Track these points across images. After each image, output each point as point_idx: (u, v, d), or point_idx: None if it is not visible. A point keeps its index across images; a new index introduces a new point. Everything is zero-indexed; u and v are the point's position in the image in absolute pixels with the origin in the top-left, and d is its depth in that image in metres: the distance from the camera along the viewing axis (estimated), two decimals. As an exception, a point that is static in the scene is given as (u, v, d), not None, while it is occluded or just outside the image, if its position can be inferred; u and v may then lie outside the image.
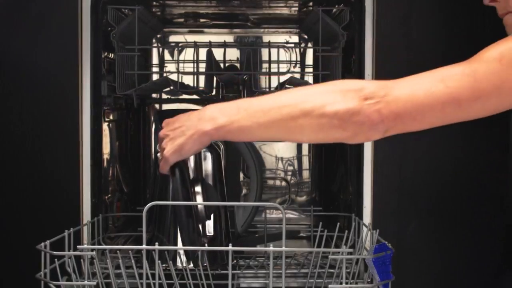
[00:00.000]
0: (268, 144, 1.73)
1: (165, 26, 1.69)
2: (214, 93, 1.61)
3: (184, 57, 1.70)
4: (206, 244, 1.20)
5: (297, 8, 1.50)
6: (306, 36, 1.71)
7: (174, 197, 1.08)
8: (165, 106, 1.73)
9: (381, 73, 1.25)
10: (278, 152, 1.74)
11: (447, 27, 1.27)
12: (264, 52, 1.62)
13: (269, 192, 1.73)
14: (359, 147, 1.27)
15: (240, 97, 1.64)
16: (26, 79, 1.25)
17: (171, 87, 1.46)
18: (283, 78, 1.50)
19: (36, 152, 1.25)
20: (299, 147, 1.74)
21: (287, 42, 1.71)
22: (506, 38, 0.92)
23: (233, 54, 1.67)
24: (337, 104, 0.87)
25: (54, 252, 0.99)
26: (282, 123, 0.91)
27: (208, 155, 1.32)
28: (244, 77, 1.59)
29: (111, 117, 1.45)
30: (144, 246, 1.00)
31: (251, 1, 1.45)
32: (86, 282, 1.02)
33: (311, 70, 1.70)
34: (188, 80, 1.54)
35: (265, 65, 1.60)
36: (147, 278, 1.01)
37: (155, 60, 1.73)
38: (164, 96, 1.72)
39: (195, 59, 1.43)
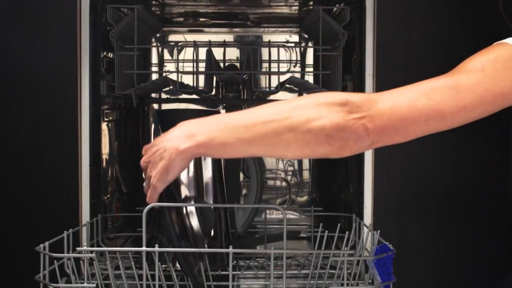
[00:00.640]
0: (268, 144, 1.72)
1: (164, 25, 1.68)
2: (213, 92, 1.61)
3: (183, 57, 1.70)
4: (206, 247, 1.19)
5: (297, 7, 1.50)
6: (306, 36, 1.70)
7: (169, 228, 1.05)
8: (165, 106, 1.72)
9: (381, 73, 1.25)
10: (279, 152, 1.73)
11: (448, 26, 1.26)
12: (264, 52, 1.62)
13: (269, 192, 1.72)
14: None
15: (240, 97, 1.64)
16: (25, 78, 1.24)
17: (171, 87, 1.45)
18: (283, 78, 1.49)
19: (35, 152, 1.24)
20: (299, 147, 1.73)
21: (287, 42, 1.70)
22: (488, 48, 0.92)
23: (233, 53, 1.67)
24: (323, 119, 0.85)
25: (53, 254, 0.99)
26: (266, 139, 0.87)
27: (208, 155, 1.31)
28: (244, 76, 1.58)
29: (110, 117, 1.45)
30: (144, 248, 0.99)
31: (251, 0, 1.45)
32: (85, 284, 1.01)
33: (311, 69, 1.69)
34: (187, 79, 1.54)
35: (265, 65, 1.60)
36: (147, 280, 1.01)
37: (154, 59, 1.72)
38: (163, 95, 1.72)
39: (195, 58, 1.43)
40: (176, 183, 1.29)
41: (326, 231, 1.21)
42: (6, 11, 1.23)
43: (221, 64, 1.61)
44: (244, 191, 1.67)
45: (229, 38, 1.71)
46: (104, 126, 1.39)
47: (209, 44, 1.49)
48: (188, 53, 1.69)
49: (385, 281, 1.01)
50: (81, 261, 1.11)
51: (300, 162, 1.74)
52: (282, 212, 1.00)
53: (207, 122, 0.92)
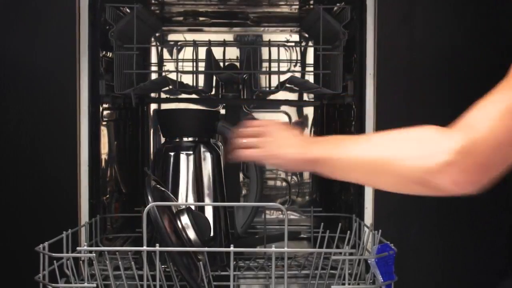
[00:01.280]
0: (268, 144, 1.72)
1: (164, 24, 1.68)
2: (213, 92, 1.60)
3: (183, 56, 1.69)
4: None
5: (297, 6, 1.49)
6: (306, 35, 1.70)
7: (167, 242, 1.06)
8: (164, 106, 1.71)
9: (382, 72, 1.24)
10: (279, 152, 1.72)
11: (449, 25, 1.26)
12: (264, 51, 1.61)
13: (269, 192, 1.72)
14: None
15: (240, 97, 1.63)
16: (24, 78, 1.24)
17: (170, 86, 1.45)
18: (283, 77, 1.49)
19: (34, 152, 1.24)
20: (299, 147, 1.73)
21: (288, 41, 1.70)
22: None
23: (232, 53, 1.66)
24: (431, 175, 0.79)
25: (53, 254, 0.98)
26: (367, 177, 0.91)
27: (208, 155, 1.31)
28: (244, 76, 1.58)
29: (109, 117, 1.44)
30: (144, 248, 0.99)
31: (251, -1, 1.45)
32: (85, 285, 1.01)
33: (311, 69, 1.69)
34: (187, 79, 1.53)
35: (265, 64, 1.60)
36: (147, 280, 1.00)
37: (154, 59, 1.72)
38: (163, 95, 1.71)
39: (195, 58, 1.42)
40: (176, 183, 1.29)
41: (328, 231, 1.21)
42: (4, 10, 1.23)
43: (221, 64, 1.60)
44: (244, 192, 1.66)
45: (229, 37, 1.70)
46: (103, 126, 1.38)
47: (209, 44, 1.49)
48: (187, 52, 1.68)
49: (386, 281, 1.00)
50: (80, 262, 1.10)
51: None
52: (283, 211, 0.99)
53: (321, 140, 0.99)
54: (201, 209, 1.27)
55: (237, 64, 1.65)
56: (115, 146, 1.50)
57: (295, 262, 1.32)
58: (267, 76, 1.66)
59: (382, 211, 1.25)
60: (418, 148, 0.81)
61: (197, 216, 1.16)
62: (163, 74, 1.67)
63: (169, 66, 1.71)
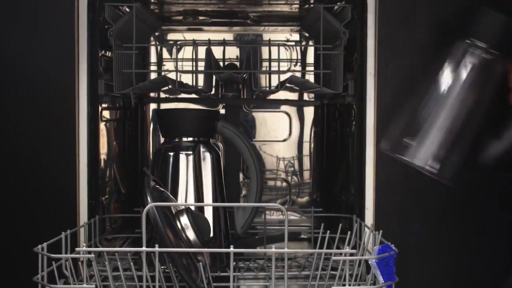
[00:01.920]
0: (268, 144, 1.72)
1: (163, 23, 1.67)
2: (213, 92, 1.60)
3: (182, 56, 1.69)
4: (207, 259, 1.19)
5: (297, 6, 1.49)
6: (307, 34, 1.70)
7: (166, 242, 1.05)
8: (164, 105, 1.71)
9: (383, 72, 1.24)
10: (279, 153, 1.72)
11: (451, 25, 1.25)
12: (264, 50, 1.61)
13: (269, 193, 1.72)
14: (361, 146, 1.25)
15: (240, 97, 1.63)
16: (22, 78, 1.23)
17: (170, 86, 1.44)
18: (283, 77, 1.48)
19: (32, 152, 1.23)
20: (299, 147, 1.73)
21: (288, 40, 1.69)
22: None
23: (232, 52, 1.66)
24: None
25: (52, 255, 0.98)
26: None
27: (208, 156, 1.30)
28: (244, 75, 1.57)
29: (108, 117, 1.44)
30: (144, 248, 0.98)
31: (251, -2, 1.44)
32: (84, 285, 1.00)
33: (312, 68, 1.69)
34: (186, 79, 1.53)
35: (265, 64, 1.59)
36: (147, 281, 1.00)
37: (153, 58, 1.72)
38: (162, 95, 1.71)
39: (194, 57, 1.42)
40: (176, 183, 1.28)
41: (328, 232, 1.20)
42: (3, 9, 1.22)
43: (221, 63, 1.60)
44: (244, 192, 1.66)
45: (229, 36, 1.70)
46: (102, 125, 1.37)
47: (209, 43, 1.48)
48: (187, 52, 1.68)
49: (387, 281, 1.00)
50: (79, 262, 1.10)
51: (300, 162, 1.73)
52: (283, 212, 0.99)
53: None
54: (201, 209, 1.26)
55: (237, 63, 1.64)
56: (114, 146, 1.50)
57: (295, 263, 1.32)
58: (267, 75, 1.66)
59: (383, 211, 1.25)
60: None
61: (196, 216, 1.15)
62: (163, 73, 1.66)
63: (168, 65, 1.71)
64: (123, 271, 1.06)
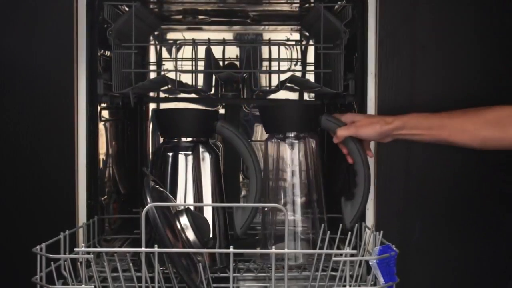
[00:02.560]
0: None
1: (162, 23, 1.67)
2: (213, 91, 1.59)
3: (182, 55, 1.69)
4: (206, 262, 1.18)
5: (298, 5, 1.48)
6: (307, 33, 1.69)
7: (166, 243, 1.04)
8: (163, 105, 1.70)
9: (384, 71, 1.23)
10: (278, 152, 1.71)
11: (452, 24, 1.25)
12: (264, 50, 1.61)
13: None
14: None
15: (240, 96, 1.62)
16: (21, 77, 1.23)
17: (169, 86, 1.43)
18: (283, 76, 1.47)
19: (31, 152, 1.23)
20: (299, 147, 1.72)
21: (288, 40, 1.69)
22: None
23: (232, 51, 1.66)
24: None
25: (50, 255, 0.97)
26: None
27: (207, 156, 1.29)
28: (244, 75, 1.57)
29: (107, 116, 1.43)
30: (143, 249, 0.98)
31: (251, -3, 1.44)
32: (83, 286, 1.00)
33: (312, 68, 1.68)
34: (186, 78, 1.53)
35: (265, 63, 1.59)
36: (146, 282, 0.99)
37: (152, 58, 1.71)
38: (162, 95, 1.70)
39: (194, 57, 1.41)
40: (175, 183, 1.28)
41: (328, 233, 1.19)
42: (1, 9, 1.22)
43: (221, 63, 1.59)
44: (243, 192, 1.65)
45: (229, 36, 1.69)
46: (101, 125, 1.37)
47: (208, 42, 1.48)
48: (186, 51, 1.68)
49: (388, 282, 0.99)
50: (78, 263, 1.09)
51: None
52: (284, 212, 0.98)
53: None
54: (200, 209, 1.26)
55: (237, 63, 1.64)
56: (114, 146, 1.49)
57: (295, 264, 1.31)
58: (267, 75, 1.65)
59: (384, 212, 1.24)
60: None
61: (196, 217, 1.15)
62: (162, 73, 1.65)
63: (168, 65, 1.71)
64: (122, 272, 1.06)
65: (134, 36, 1.28)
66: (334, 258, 1.04)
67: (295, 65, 1.70)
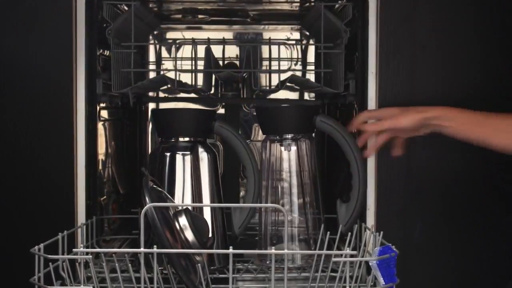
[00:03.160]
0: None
1: (162, 22, 1.66)
2: (212, 91, 1.59)
3: (181, 55, 1.68)
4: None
5: (298, 4, 1.48)
6: (307, 33, 1.69)
7: (165, 243, 1.04)
8: (162, 105, 1.70)
9: (384, 71, 1.23)
10: (279, 152, 1.71)
11: (453, 24, 1.24)
12: (265, 49, 1.60)
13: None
14: (362, 146, 1.24)
15: (240, 96, 1.62)
16: (20, 77, 1.23)
17: (169, 86, 1.43)
18: (284, 76, 1.47)
19: (29, 152, 1.23)
20: (299, 147, 1.72)
21: (288, 39, 1.69)
22: None
23: (232, 51, 1.65)
24: None
25: (48, 256, 0.97)
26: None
27: (205, 156, 1.29)
28: (244, 75, 1.56)
29: (106, 116, 1.43)
30: (142, 249, 0.97)
31: (251, -3, 1.43)
32: (81, 287, 1.00)
33: (312, 67, 1.68)
34: (186, 78, 1.52)
35: (266, 63, 1.58)
36: (145, 282, 0.99)
37: (152, 57, 1.71)
38: (161, 94, 1.70)
39: (193, 56, 1.41)
40: (172, 184, 1.27)
41: (328, 233, 1.19)
42: (0, 8, 1.21)
43: (220, 62, 1.59)
44: (242, 192, 1.64)
45: (229, 35, 1.69)
46: (100, 125, 1.37)
47: (208, 42, 1.47)
48: (186, 51, 1.68)
49: (388, 283, 0.99)
50: (76, 264, 1.09)
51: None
52: (283, 212, 0.98)
53: None
54: (199, 210, 1.26)
55: (237, 62, 1.64)
56: (113, 146, 1.49)
57: (295, 264, 1.31)
58: (267, 75, 1.65)
59: (385, 212, 1.24)
60: None
61: (195, 217, 1.14)
62: (161, 73, 1.65)
63: (167, 64, 1.70)
64: (121, 273, 1.05)
65: (133, 35, 1.27)
66: (333, 259, 1.03)
67: (295, 64, 1.70)
